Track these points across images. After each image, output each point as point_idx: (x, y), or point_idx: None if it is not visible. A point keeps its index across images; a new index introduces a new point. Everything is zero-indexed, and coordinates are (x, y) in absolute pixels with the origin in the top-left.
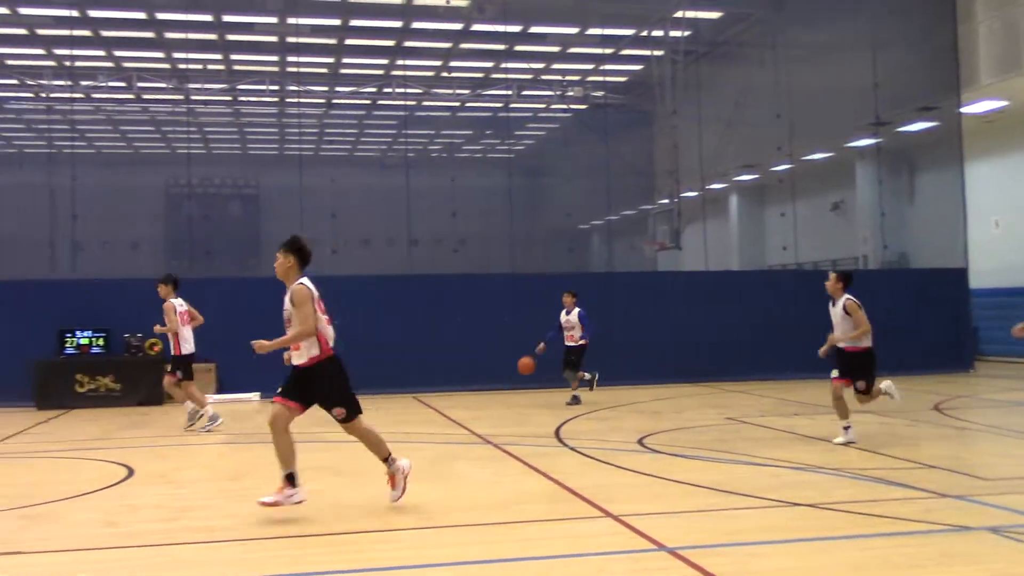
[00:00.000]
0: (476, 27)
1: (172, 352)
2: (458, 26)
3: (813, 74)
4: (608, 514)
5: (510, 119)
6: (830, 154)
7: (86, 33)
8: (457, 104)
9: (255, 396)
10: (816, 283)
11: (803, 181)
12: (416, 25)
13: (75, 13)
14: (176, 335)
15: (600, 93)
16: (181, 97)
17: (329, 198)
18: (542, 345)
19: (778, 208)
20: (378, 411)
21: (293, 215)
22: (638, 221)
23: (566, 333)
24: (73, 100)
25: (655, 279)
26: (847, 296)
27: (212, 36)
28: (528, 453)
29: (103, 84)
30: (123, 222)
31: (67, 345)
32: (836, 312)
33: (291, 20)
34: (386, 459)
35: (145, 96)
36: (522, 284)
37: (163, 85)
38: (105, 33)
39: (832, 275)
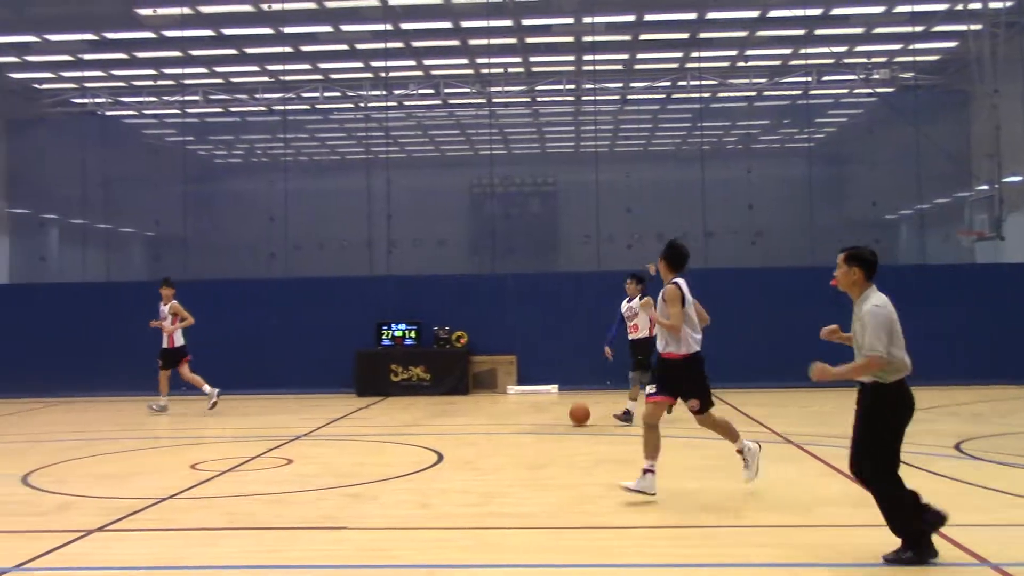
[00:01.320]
0: (773, 13)
1: (166, 345)
2: (754, 14)
3: None
4: None
5: (809, 106)
6: None
7: (399, 45)
8: (754, 94)
9: (554, 388)
10: None
11: None
12: (711, 15)
13: (389, 27)
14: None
15: (909, 74)
16: (484, 101)
17: (624, 193)
18: (608, 350)
19: None
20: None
21: (589, 211)
22: (953, 209)
23: (629, 324)
24: (388, 109)
25: (973, 272)
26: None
27: (512, 40)
28: (831, 455)
29: (414, 92)
30: (431, 221)
31: (383, 337)
32: None
33: (587, 19)
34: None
35: (451, 101)
36: (823, 277)
37: (467, 90)
38: (416, 44)
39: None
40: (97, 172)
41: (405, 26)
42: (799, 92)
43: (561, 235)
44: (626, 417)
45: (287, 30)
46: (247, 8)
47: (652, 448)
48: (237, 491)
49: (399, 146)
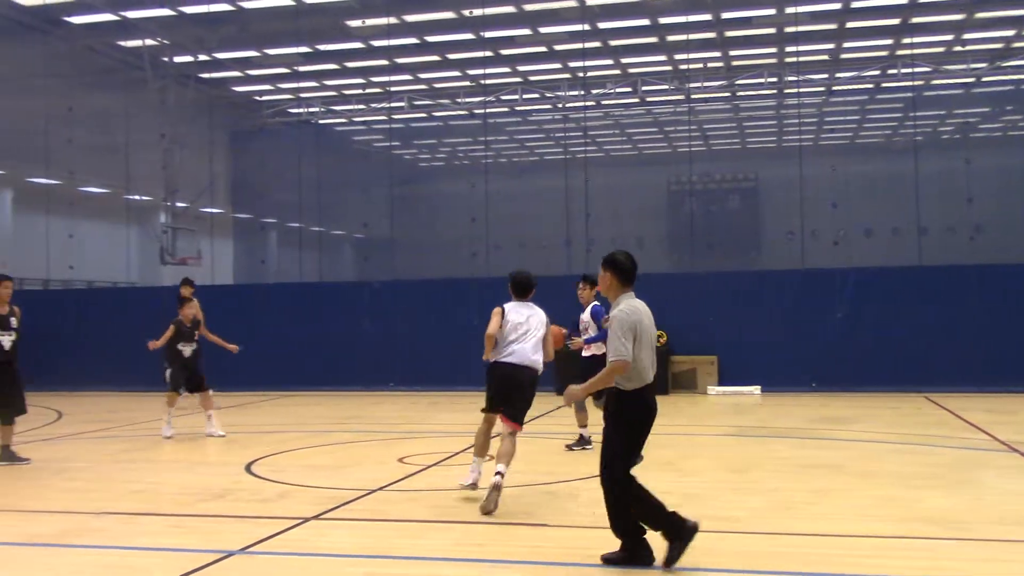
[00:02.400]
0: None
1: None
2: None
3: None
4: None
5: None
6: None
7: (596, 44)
8: (972, 80)
9: (756, 390)
10: None
11: None
12: None
13: (586, 27)
14: None
15: None
16: (682, 97)
17: (829, 188)
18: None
19: None
20: (891, 411)
21: (792, 207)
22: None
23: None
24: (585, 108)
25: None
26: None
27: (711, 34)
28: None
29: (611, 91)
30: (629, 220)
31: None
32: None
33: (789, 10)
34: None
35: (649, 99)
36: None
37: (665, 87)
38: (613, 43)
39: None
40: (311, 178)
41: (603, 25)
42: (1023, 76)
43: (763, 232)
44: (580, 444)
45: (487, 34)
46: (449, 15)
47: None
48: (443, 485)
49: (597, 145)
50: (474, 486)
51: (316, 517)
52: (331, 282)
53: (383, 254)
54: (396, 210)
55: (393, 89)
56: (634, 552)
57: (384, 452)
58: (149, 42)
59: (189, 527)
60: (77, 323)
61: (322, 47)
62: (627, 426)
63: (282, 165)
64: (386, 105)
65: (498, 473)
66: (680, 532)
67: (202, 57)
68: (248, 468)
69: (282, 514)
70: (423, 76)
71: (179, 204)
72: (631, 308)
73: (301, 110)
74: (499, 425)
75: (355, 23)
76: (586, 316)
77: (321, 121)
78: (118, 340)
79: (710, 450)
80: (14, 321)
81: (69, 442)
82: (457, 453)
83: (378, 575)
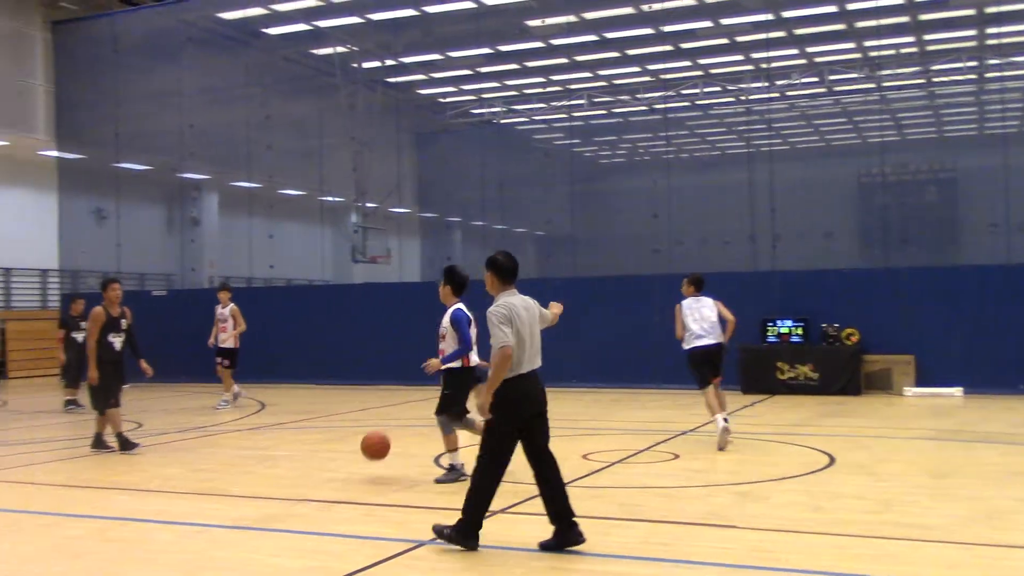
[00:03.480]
0: None
1: (232, 346)
2: None
3: None
4: None
5: None
6: None
7: (780, 34)
8: None
9: (957, 391)
10: None
11: None
12: None
13: (770, 16)
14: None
15: None
16: (873, 85)
17: None
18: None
19: None
20: None
21: (996, 198)
22: None
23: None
24: (769, 100)
25: None
26: None
27: (903, 18)
28: None
29: (796, 81)
30: (817, 213)
31: (769, 334)
32: None
33: None
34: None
35: (837, 88)
36: None
37: (854, 75)
38: (798, 31)
39: None
40: (494, 177)
41: (787, 14)
42: None
43: (962, 225)
44: (449, 475)
45: (667, 28)
46: (628, 10)
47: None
48: (627, 483)
49: (781, 138)
50: (726, 431)
51: (502, 510)
52: None
53: (564, 251)
54: (576, 207)
55: (573, 87)
56: (464, 537)
57: (567, 448)
58: (340, 49)
59: (382, 516)
60: (276, 319)
61: (503, 48)
62: (500, 414)
63: (466, 164)
64: (566, 103)
65: (725, 419)
66: (468, 534)
67: (389, 62)
68: (437, 460)
69: None
70: (603, 73)
71: (369, 204)
72: (504, 303)
73: (483, 110)
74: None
75: (535, 23)
76: (445, 322)
77: (503, 121)
78: (313, 336)
79: (907, 454)
80: (124, 323)
81: (273, 432)
82: (642, 451)
83: (562, 570)
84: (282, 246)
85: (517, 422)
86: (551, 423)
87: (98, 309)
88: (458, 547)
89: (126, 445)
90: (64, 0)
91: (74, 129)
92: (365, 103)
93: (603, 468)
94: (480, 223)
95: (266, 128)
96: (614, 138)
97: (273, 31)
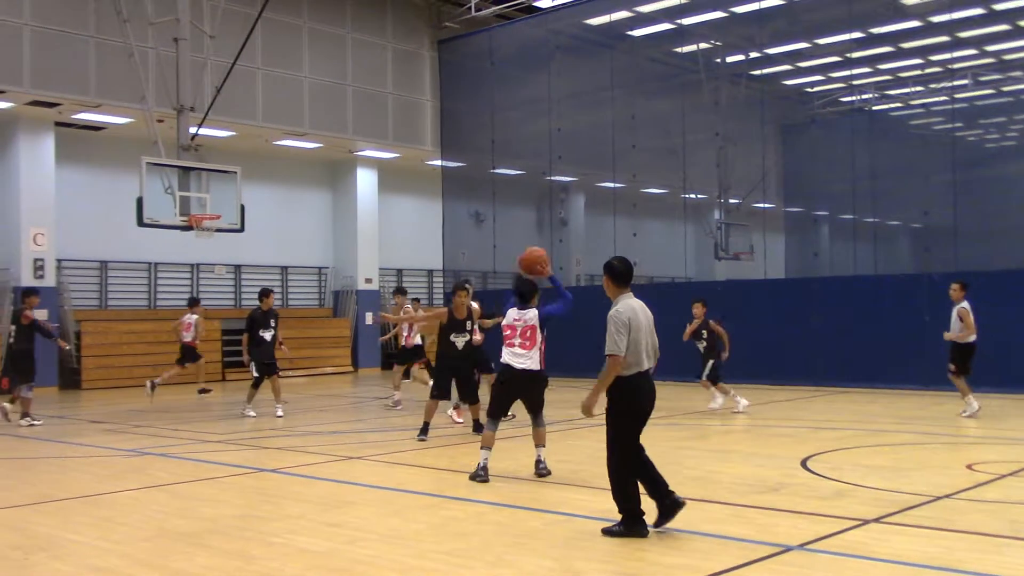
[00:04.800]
0: None
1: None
2: None
3: None
4: None
5: None
6: None
7: None
8: None
9: None
10: None
11: None
12: None
13: None
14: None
15: None
16: None
17: None
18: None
19: None
20: None
21: None
22: None
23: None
24: None
25: None
26: None
27: None
28: None
29: None
30: None
31: None
32: None
33: None
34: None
35: None
36: None
37: None
38: None
39: None
40: (865, 167)
41: None
42: None
43: None
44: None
45: None
46: None
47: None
48: (1021, 498)
49: None
50: None
51: (877, 520)
52: (887, 275)
53: (944, 244)
54: (959, 196)
55: (955, 66)
56: (631, 527)
57: (950, 457)
58: (703, 46)
59: (747, 518)
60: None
61: (875, 30)
62: (625, 408)
63: (834, 156)
64: (947, 84)
65: None
66: (671, 509)
67: (753, 54)
68: (804, 463)
69: (840, 513)
70: (989, 49)
71: (732, 200)
72: (625, 307)
73: (853, 98)
74: None
75: (912, 0)
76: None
77: (875, 107)
78: (674, 332)
79: None
80: (469, 324)
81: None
82: None
83: None
84: (645, 244)
85: (643, 415)
86: (936, 429)
87: (443, 310)
88: (665, 520)
89: (477, 427)
90: (449, 20)
91: (455, 139)
92: (729, 98)
93: (992, 480)
94: (849, 216)
95: (630, 128)
96: (1003, 119)
97: (638, 32)
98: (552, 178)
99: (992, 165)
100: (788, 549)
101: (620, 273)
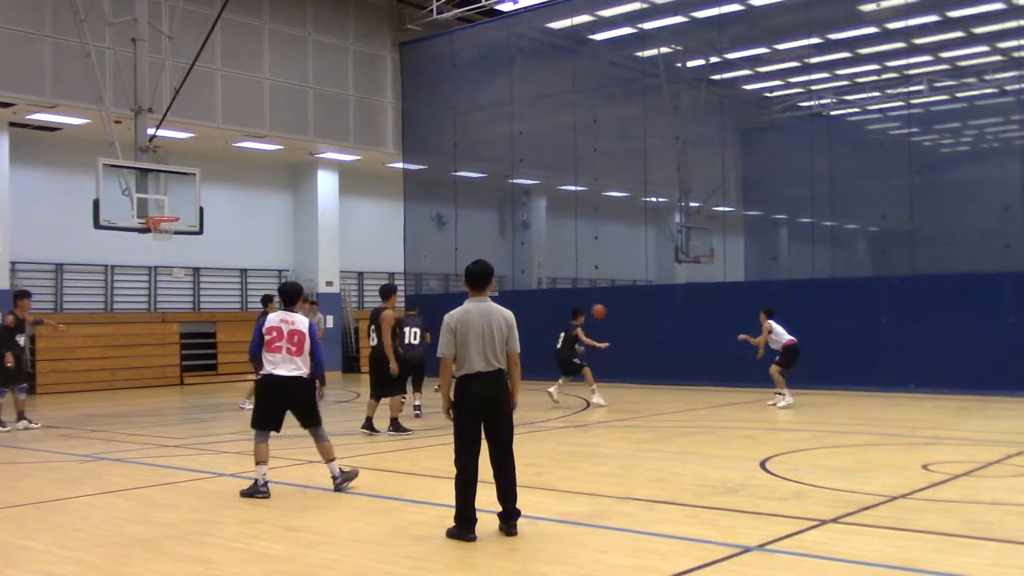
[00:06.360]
0: None
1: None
2: None
3: None
4: None
5: None
6: None
7: None
8: None
9: None
10: None
11: None
12: None
13: None
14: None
15: None
16: None
17: None
18: None
19: None
20: None
21: None
22: None
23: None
24: None
25: None
26: None
27: None
28: None
29: None
30: None
31: None
32: None
33: None
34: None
35: None
36: None
37: None
38: None
39: None
40: (823, 171)
41: None
42: None
43: None
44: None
45: (1021, 1)
46: None
47: None
48: (975, 497)
49: None
50: None
51: (834, 520)
52: (845, 277)
53: (901, 247)
54: (915, 200)
55: (911, 72)
56: (457, 529)
57: (906, 457)
58: (664, 50)
59: (706, 519)
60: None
61: (833, 36)
62: (457, 407)
63: (792, 160)
64: (903, 90)
65: None
66: (465, 525)
67: (713, 59)
68: (763, 464)
69: (799, 514)
70: (944, 55)
71: (692, 204)
72: (460, 310)
73: (812, 103)
74: None
75: (869, 7)
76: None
77: (833, 112)
78: (636, 335)
79: None
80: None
81: (599, 430)
82: (992, 463)
83: None
84: (606, 247)
85: (477, 416)
86: (893, 430)
87: (389, 312)
88: (455, 536)
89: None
90: (411, 23)
91: (417, 141)
92: (689, 102)
93: (947, 480)
94: (808, 220)
95: (592, 132)
96: (958, 125)
97: (599, 36)
98: (514, 181)
99: (947, 169)
100: (747, 550)
101: (471, 275)
